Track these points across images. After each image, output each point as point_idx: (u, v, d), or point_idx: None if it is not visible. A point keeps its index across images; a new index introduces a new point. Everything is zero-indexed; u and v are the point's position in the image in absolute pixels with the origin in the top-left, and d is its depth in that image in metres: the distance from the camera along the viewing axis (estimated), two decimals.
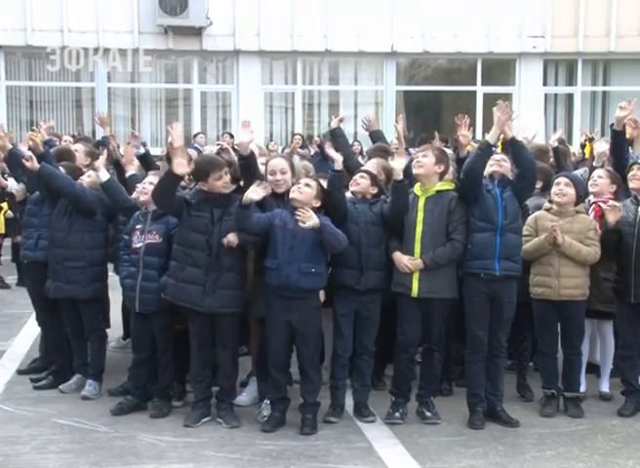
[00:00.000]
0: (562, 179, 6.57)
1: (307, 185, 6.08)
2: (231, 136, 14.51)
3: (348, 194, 6.46)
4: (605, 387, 7.01)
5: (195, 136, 16.97)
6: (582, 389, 6.81)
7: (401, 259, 6.19)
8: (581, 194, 6.63)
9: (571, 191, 6.49)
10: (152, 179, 6.45)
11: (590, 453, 5.80)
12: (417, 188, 6.32)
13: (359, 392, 6.45)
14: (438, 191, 6.25)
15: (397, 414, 6.31)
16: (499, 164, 6.35)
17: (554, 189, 6.54)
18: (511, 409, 6.49)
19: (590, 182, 6.96)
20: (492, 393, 6.33)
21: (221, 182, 6.14)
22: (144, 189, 6.45)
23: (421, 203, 6.22)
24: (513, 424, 6.27)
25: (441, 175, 6.29)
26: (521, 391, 6.95)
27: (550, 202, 6.60)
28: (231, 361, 6.31)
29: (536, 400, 6.80)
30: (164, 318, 6.40)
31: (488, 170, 6.28)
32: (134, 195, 6.70)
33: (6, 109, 18.80)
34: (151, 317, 6.42)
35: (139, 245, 6.40)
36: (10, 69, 18.89)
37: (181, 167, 6.05)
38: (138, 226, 6.46)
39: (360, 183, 6.40)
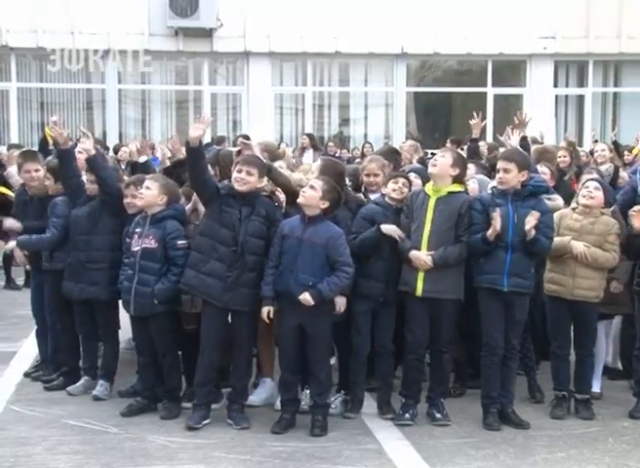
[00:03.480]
0: (592, 183, 6.54)
1: (312, 188, 6.05)
2: (247, 139, 14.11)
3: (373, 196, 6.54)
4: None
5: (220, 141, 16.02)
6: (597, 389, 6.85)
7: (420, 256, 6.12)
8: (610, 200, 6.60)
9: (600, 195, 6.45)
10: (149, 184, 6.43)
11: (601, 455, 5.79)
12: (428, 187, 6.31)
13: (381, 391, 6.49)
14: (450, 192, 6.24)
15: (407, 416, 6.31)
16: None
17: (583, 191, 6.51)
18: (522, 410, 6.48)
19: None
20: (503, 395, 6.31)
21: None
22: (141, 194, 6.44)
23: (432, 203, 6.21)
24: (524, 426, 6.26)
25: (455, 179, 6.27)
26: (532, 392, 6.94)
27: (577, 202, 6.56)
28: (246, 362, 6.32)
29: (546, 402, 6.78)
30: (161, 322, 6.39)
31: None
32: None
33: (17, 111, 18.85)
34: (148, 321, 6.41)
35: (136, 248, 6.40)
36: (21, 71, 18.91)
37: (196, 130, 6.09)
38: (137, 230, 6.45)
39: (403, 190, 6.40)
